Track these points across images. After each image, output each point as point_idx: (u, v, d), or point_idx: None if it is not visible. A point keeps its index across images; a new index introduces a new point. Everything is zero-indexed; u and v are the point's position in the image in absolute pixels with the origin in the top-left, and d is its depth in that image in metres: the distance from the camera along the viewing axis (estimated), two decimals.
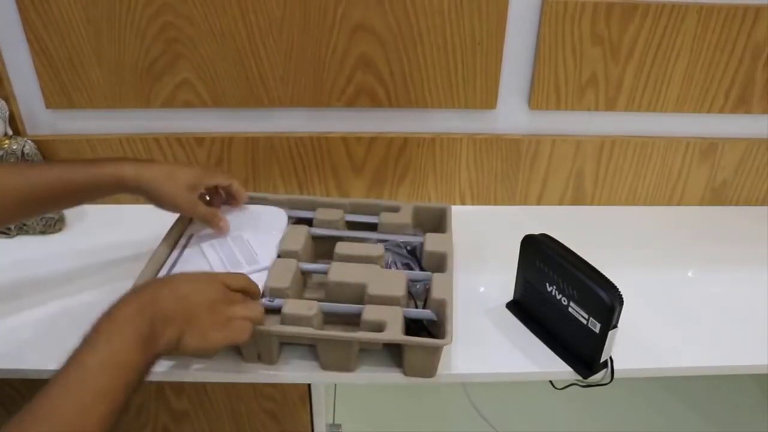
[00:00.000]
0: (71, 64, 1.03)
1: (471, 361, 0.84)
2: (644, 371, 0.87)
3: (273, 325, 0.78)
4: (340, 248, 0.91)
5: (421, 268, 0.92)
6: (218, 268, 0.88)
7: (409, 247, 0.95)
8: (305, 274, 0.92)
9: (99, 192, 0.83)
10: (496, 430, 1.49)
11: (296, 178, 1.15)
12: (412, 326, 0.82)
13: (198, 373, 0.81)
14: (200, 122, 1.11)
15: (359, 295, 0.83)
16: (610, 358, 0.82)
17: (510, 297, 0.93)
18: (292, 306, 0.79)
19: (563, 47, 1.04)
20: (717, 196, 1.20)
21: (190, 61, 1.03)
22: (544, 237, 0.85)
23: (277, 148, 1.11)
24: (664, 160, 1.16)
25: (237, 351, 0.82)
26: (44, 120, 1.09)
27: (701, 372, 0.86)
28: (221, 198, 0.97)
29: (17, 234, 1.05)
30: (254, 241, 0.92)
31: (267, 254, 0.90)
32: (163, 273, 0.87)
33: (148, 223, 0.92)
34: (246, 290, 0.75)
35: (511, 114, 1.12)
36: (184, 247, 0.92)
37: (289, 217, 0.99)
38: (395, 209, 1.00)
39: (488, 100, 1.09)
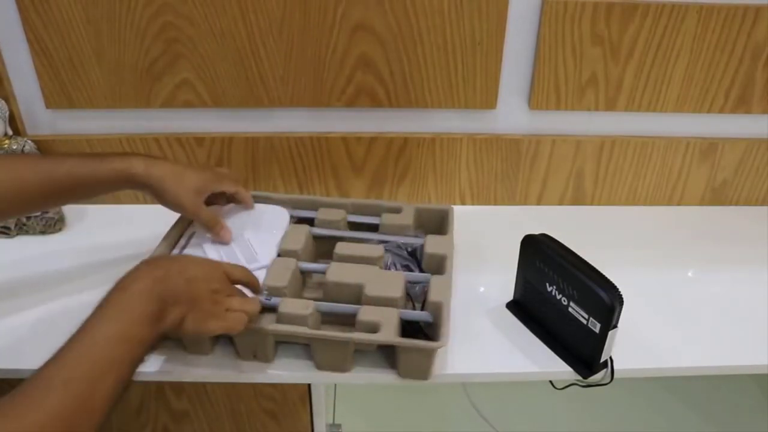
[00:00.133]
0: (71, 64, 1.03)
1: (471, 361, 0.84)
2: (644, 371, 0.87)
3: (269, 323, 0.78)
4: (340, 248, 0.91)
5: (421, 270, 0.92)
6: None
7: (409, 249, 0.95)
8: (305, 274, 0.92)
9: (108, 187, 0.84)
10: (496, 430, 1.49)
11: (296, 178, 1.15)
12: (409, 328, 0.81)
13: (198, 373, 0.82)
14: (200, 122, 1.11)
15: (357, 295, 0.83)
16: (610, 358, 0.82)
17: (510, 297, 0.93)
18: (288, 305, 0.80)
19: (563, 47, 1.04)
20: (717, 196, 1.20)
21: (190, 61, 1.03)
22: (544, 237, 0.85)
23: (277, 148, 1.11)
24: (664, 160, 1.16)
25: (233, 349, 0.82)
26: (44, 120, 1.09)
27: (701, 372, 0.86)
28: (225, 198, 0.97)
29: (17, 234, 1.05)
30: (255, 240, 0.93)
31: (267, 253, 0.90)
32: None
33: (148, 222, 0.92)
34: (245, 282, 0.77)
35: (511, 114, 1.12)
36: (185, 245, 0.92)
37: (292, 217, 1.00)
38: (397, 210, 1.00)
39: (488, 100, 1.09)
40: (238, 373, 0.81)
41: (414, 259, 0.94)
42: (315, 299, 0.83)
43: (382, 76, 1.05)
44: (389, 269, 0.91)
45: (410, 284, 0.87)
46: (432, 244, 0.93)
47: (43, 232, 1.06)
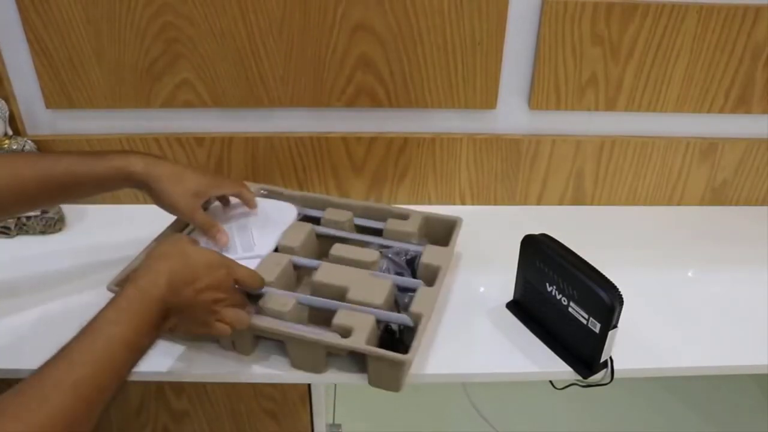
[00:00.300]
0: (71, 64, 1.03)
1: (471, 361, 0.84)
2: (644, 371, 0.87)
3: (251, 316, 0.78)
4: (336, 250, 0.91)
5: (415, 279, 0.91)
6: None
7: (408, 257, 0.94)
8: (302, 272, 0.92)
9: (107, 185, 0.84)
10: (496, 430, 1.49)
11: (296, 178, 1.15)
12: (387, 337, 0.81)
13: (198, 373, 0.82)
14: (200, 122, 1.11)
15: (342, 297, 0.83)
16: (610, 358, 0.82)
17: (510, 297, 0.93)
18: (269, 300, 0.80)
19: (563, 47, 1.04)
20: (717, 196, 1.20)
21: (190, 61, 1.03)
22: (544, 237, 0.85)
23: (277, 148, 1.11)
24: (664, 160, 1.16)
25: (233, 349, 0.83)
26: (44, 120, 1.09)
27: (701, 372, 0.86)
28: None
29: (17, 234, 1.05)
30: (257, 233, 0.94)
31: (264, 245, 0.91)
32: None
33: (149, 222, 0.92)
34: (247, 285, 0.77)
35: (511, 114, 1.12)
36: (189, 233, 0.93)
37: (301, 215, 1.00)
38: (404, 216, 0.99)
39: (488, 100, 1.09)
40: (238, 373, 0.81)
41: (410, 267, 0.93)
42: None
43: (382, 76, 1.05)
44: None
45: (400, 293, 0.86)
46: (429, 254, 0.92)
47: (43, 232, 1.06)
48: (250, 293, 0.80)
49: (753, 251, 1.08)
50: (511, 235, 0.89)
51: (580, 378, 0.82)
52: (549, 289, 0.83)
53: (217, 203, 0.98)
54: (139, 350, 0.64)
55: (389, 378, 0.77)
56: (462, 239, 0.98)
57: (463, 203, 1.19)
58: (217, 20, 1.00)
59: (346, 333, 0.77)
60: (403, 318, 0.80)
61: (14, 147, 1.03)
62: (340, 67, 1.04)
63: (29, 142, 1.06)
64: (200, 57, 1.02)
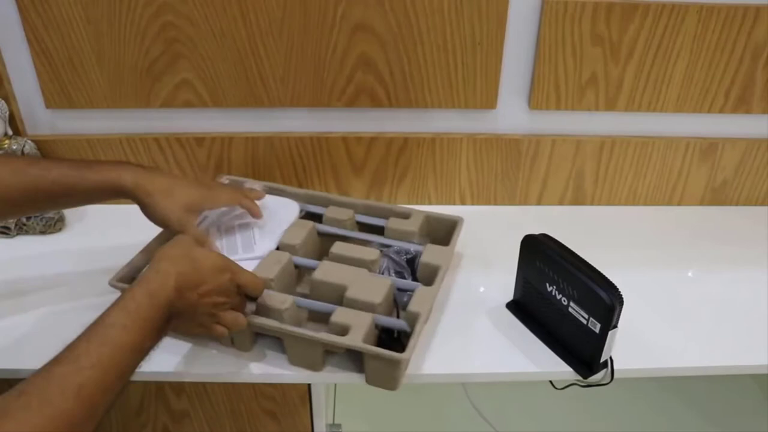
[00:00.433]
0: (71, 64, 1.03)
1: (471, 361, 0.84)
2: (644, 371, 0.87)
3: (249, 314, 0.79)
4: (336, 248, 0.91)
5: (415, 279, 0.91)
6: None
7: (409, 256, 0.94)
8: (302, 270, 0.92)
9: (96, 197, 0.82)
10: (496, 430, 1.49)
11: (296, 178, 1.15)
12: (384, 337, 0.81)
13: (198, 373, 0.82)
14: (200, 122, 1.11)
15: (340, 296, 0.83)
16: (610, 358, 0.82)
17: (510, 297, 0.93)
18: (267, 298, 0.80)
19: (563, 47, 1.04)
20: (717, 196, 1.20)
21: (190, 61, 1.03)
22: (544, 237, 0.85)
23: (277, 148, 1.11)
24: (664, 160, 1.16)
25: (232, 348, 0.83)
26: (44, 120, 1.09)
27: (701, 372, 0.86)
28: None
29: (17, 234, 1.05)
30: (259, 231, 0.94)
31: (265, 245, 0.91)
32: None
33: (149, 223, 0.92)
34: (249, 289, 0.76)
35: (511, 114, 1.12)
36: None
37: (304, 212, 1.00)
38: (406, 216, 0.99)
39: (488, 100, 1.09)
40: (238, 373, 0.81)
41: (410, 267, 0.93)
42: (305, 295, 0.83)
43: (382, 76, 1.05)
44: (383, 274, 0.90)
45: (399, 292, 0.86)
46: (429, 254, 0.92)
47: (43, 232, 1.06)
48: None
49: (753, 251, 1.08)
50: (511, 235, 0.89)
51: (580, 378, 0.82)
52: (549, 289, 0.83)
53: None
54: (144, 352, 0.64)
55: (386, 377, 0.78)
56: (462, 239, 0.98)
57: (463, 203, 1.19)
58: (217, 20, 0.99)
59: (343, 331, 0.77)
60: (399, 323, 0.80)
61: (14, 147, 1.03)
62: (340, 67, 1.04)
63: (29, 142, 1.06)
64: (200, 57, 1.02)
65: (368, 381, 0.79)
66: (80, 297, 0.91)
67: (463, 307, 0.92)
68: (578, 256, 0.81)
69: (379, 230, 0.98)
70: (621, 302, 0.76)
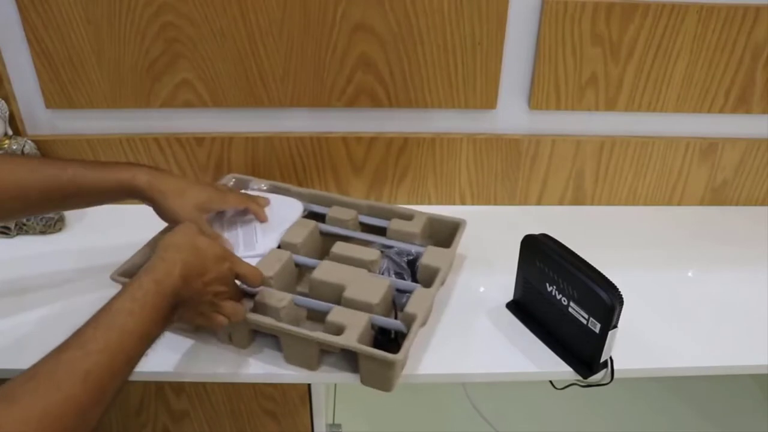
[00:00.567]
0: (71, 64, 1.03)
1: (471, 361, 0.84)
2: (644, 371, 0.87)
3: (247, 312, 0.79)
4: (337, 248, 0.91)
5: (415, 280, 0.91)
6: None
7: (410, 257, 0.93)
8: (303, 269, 0.92)
9: (110, 196, 0.84)
10: (496, 430, 1.49)
11: (296, 178, 1.15)
12: (381, 338, 0.81)
13: (198, 373, 0.82)
14: (200, 122, 1.11)
15: (338, 295, 0.83)
16: (610, 358, 0.82)
17: (510, 297, 0.93)
18: (265, 296, 0.80)
19: (563, 47, 1.04)
20: (717, 196, 1.20)
21: (190, 61, 1.03)
22: (544, 237, 0.85)
23: (277, 148, 1.11)
24: (664, 160, 1.16)
25: (232, 347, 0.84)
26: (44, 120, 1.09)
27: (701, 372, 0.86)
28: None
29: (17, 234, 1.05)
30: (261, 229, 0.94)
31: (267, 243, 0.91)
32: None
33: (149, 223, 0.92)
34: (248, 281, 0.77)
35: (511, 114, 1.12)
36: None
37: (307, 211, 1.00)
38: (409, 217, 0.99)
39: (488, 100, 1.09)
40: (238, 373, 0.81)
41: (411, 268, 0.93)
42: (305, 295, 0.83)
43: (382, 76, 1.05)
44: (383, 275, 0.90)
45: (398, 293, 0.86)
46: (430, 256, 0.92)
47: (43, 232, 1.06)
48: (246, 290, 0.81)
49: (753, 251, 1.08)
50: (511, 235, 0.89)
51: (580, 378, 0.82)
52: (549, 289, 0.83)
53: None
54: (150, 339, 0.65)
55: (380, 377, 0.78)
56: (462, 239, 0.98)
57: (463, 203, 1.19)
58: (217, 20, 1.00)
59: (338, 331, 0.77)
60: (396, 324, 0.80)
61: (14, 147, 1.03)
62: (340, 67, 1.04)
63: (29, 142, 1.06)
64: (200, 57, 1.02)
65: (363, 381, 0.79)
66: (80, 297, 0.91)
67: (463, 307, 0.93)
68: (578, 256, 0.81)
69: (381, 231, 0.99)
70: (621, 302, 0.76)
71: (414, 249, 0.94)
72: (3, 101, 1.03)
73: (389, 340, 0.81)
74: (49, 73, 1.03)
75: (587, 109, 1.11)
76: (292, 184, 1.14)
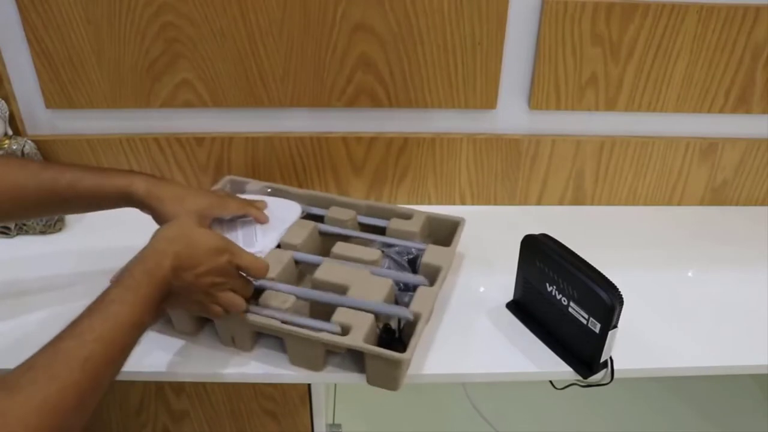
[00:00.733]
0: (71, 64, 1.03)
1: (471, 361, 0.84)
2: (644, 371, 0.87)
3: (249, 313, 0.79)
4: (338, 248, 0.91)
5: None
6: None
7: (411, 256, 0.94)
8: (304, 269, 0.92)
9: (107, 203, 0.84)
10: (496, 430, 1.49)
11: (296, 178, 1.15)
12: (386, 336, 0.81)
13: (198, 373, 0.82)
14: (200, 122, 1.11)
15: (341, 295, 0.83)
16: (610, 358, 0.82)
17: (510, 297, 0.93)
18: (268, 296, 0.80)
19: (563, 47, 1.04)
20: (717, 196, 1.20)
21: (190, 61, 1.03)
22: (544, 237, 0.85)
23: (277, 148, 1.11)
24: (664, 160, 1.16)
25: (215, 333, 0.84)
26: (44, 120, 1.09)
27: (701, 372, 0.86)
28: None
29: (17, 234, 1.05)
30: (261, 229, 0.94)
31: (267, 242, 0.91)
32: None
33: (149, 223, 0.92)
34: (250, 271, 0.76)
35: (511, 114, 1.12)
36: None
37: (305, 213, 1.00)
38: (408, 216, 0.99)
39: (488, 100, 1.09)
40: (238, 373, 0.81)
41: (412, 267, 0.93)
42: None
43: (382, 76, 1.05)
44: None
45: (400, 292, 0.86)
46: (431, 254, 0.92)
47: (43, 232, 1.06)
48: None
49: (753, 251, 1.08)
50: (511, 235, 0.89)
51: (580, 378, 0.82)
52: (549, 289, 0.83)
53: None
54: (143, 327, 0.66)
55: (387, 377, 0.77)
56: (462, 239, 0.98)
57: (463, 203, 1.19)
58: (217, 20, 1.00)
59: (344, 331, 0.77)
60: (402, 311, 0.80)
61: (14, 147, 1.03)
62: (340, 67, 1.04)
63: (29, 142, 1.06)
64: (200, 57, 1.03)
65: (369, 381, 0.79)
66: (80, 297, 0.90)
67: (463, 307, 0.92)
68: (578, 256, 0.81)
69: (381, 231, 0.99)
70: (621, 302, 0.76)
71: (414, 248, 0.94)
72: (3, 101, 1.03)
73: (394, 339, 0.81)
74: (49, 73, 1.03)
75: (587, 109, 1.11)
76: (292, 185, 1.14)
